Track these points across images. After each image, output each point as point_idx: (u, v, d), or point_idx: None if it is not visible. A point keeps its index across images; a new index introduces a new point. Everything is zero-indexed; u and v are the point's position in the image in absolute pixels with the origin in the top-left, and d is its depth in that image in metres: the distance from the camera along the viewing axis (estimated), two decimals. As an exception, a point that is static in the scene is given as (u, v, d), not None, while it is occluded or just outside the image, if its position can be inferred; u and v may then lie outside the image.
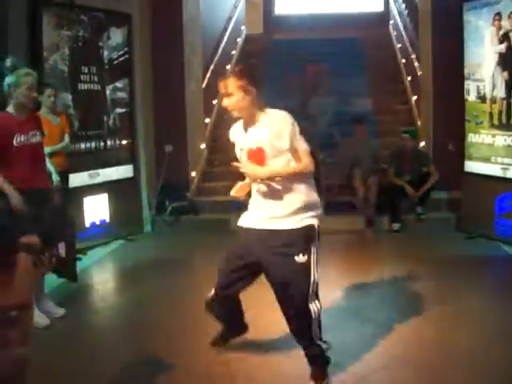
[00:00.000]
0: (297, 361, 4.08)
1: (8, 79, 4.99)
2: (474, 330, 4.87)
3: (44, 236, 3.09)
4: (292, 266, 3.75)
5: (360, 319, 5.15)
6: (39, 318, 5.01)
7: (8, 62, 5.00)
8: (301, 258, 3.75)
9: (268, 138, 3.71)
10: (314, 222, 3.84)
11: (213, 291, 4.30)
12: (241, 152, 3.91)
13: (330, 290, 5.90)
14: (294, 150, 3.73)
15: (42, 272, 2.97)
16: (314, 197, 3.90)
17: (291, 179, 3.77)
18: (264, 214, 3.85)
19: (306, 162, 3.77)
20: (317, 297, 3.86)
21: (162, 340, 4.86)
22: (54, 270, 3.27)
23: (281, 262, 3.78)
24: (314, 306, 3.82)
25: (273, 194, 3.79)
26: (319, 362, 3.94)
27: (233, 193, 4.00)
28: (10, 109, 5.05)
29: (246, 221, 3.99)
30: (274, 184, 3.75)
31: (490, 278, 6.64)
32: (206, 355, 4.50)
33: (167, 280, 6.52)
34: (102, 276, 6.97)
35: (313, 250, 3.81)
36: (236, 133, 3.99)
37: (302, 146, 3.76)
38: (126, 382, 4.19)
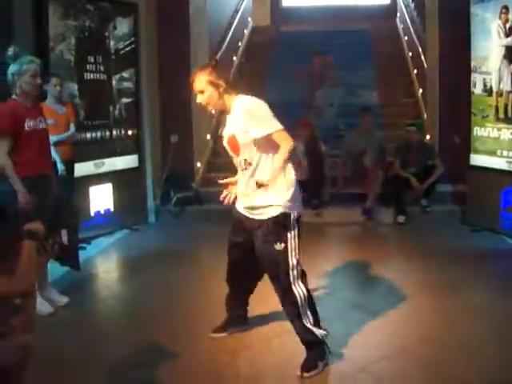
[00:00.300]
0: (300, 348, 4.10)
1: (11, 68, 5.02)
2: (477, 323, 4.87)
3: (48, 223, 3.11)
4: (272, 252, 3.96)
5: (362, 311, 5.15)
6: (42, 306, 5.03)
7: (10, 51, 5.01)
8: (278, 246, 3.93)
9: (237, 126, 3.95)
10: (291, 211, 3.97)
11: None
12: (225, 142, 4.12)
13: (333, 281, 5.92)
14: (266, 138, 3.89)
15: (45, 259, 2.98)
16: (290, 189, 3.98)
17: (271, 173, 3.92)
18: (246, 203, 4.10)
19: (285, 143, 3.92)
20: (302, 281, 4.03)
21: (166, 328, 4.88)
22: (57, 257, 3.28)
23: (263, 249, 4.02)
24: (298, 289, 3.98)
25: (254, 186, 3.95)
26: (314, 349, 4.06)
27: (221, 181, 4.34)
28: (15, 98, 5.07)
29: (239, 207, 4.23)
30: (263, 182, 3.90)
31: (494, 271, 6.62)
32: (209, 344, 4.53)
33: (171, 269, 6.54)
34: (106, 265, 6.98)
35: (289, 237, 3.96)
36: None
37: (273, 127, 3.88)
38: (130, 369, 4.21)
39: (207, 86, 3.95)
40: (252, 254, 4.12)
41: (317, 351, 4.06)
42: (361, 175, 8.77)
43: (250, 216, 4.08)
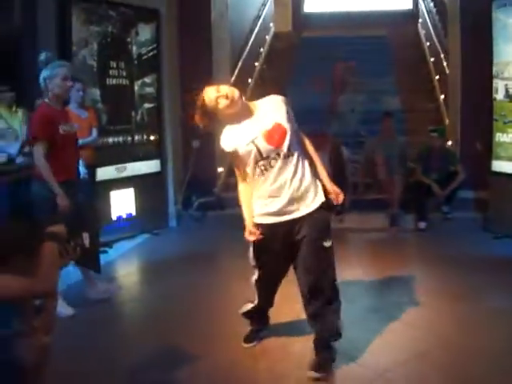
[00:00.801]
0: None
1: (43, 73, 5.10)
2: (497, 329, 4.84)
3: (70, 225, 3.14)
4: (321, 249, 3.98)
5: (380, 316, 5.14)
6: (62, 308, 5.08)
7: (42, 56, 5.09)
8: (327, 243, 3.99)
9: (280, 115, 3.94)
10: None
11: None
12: (253, 145, 3.89)
13: (353, 286, 5.90)
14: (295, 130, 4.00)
15: (67, 261, 3.01)
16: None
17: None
18: (290, 197, 3.95)
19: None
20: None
21: (186, 332, 4.91)
22: (78, 260, 3.31)
23: (312, 247, 3.97)
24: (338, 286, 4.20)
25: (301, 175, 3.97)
26: (331, 348, 4.14)
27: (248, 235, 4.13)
28: (47, 101, 5.15)
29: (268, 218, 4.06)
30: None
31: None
32: (230, 347, 4.54)
33: (192, 275, 6.55)
34: (126, 269, 7.01)
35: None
36: (233, 137, 3.99)
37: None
38: (150, 371, 4.23)
39: (230, 92, 3.97)
40: (286, 264, 4.18)
41: (332, 351, 4.12)
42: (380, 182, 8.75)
43: (290, 217, 3.97)
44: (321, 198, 3.99)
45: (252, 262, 4.23)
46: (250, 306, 4.52)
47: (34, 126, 5.15)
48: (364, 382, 3.96)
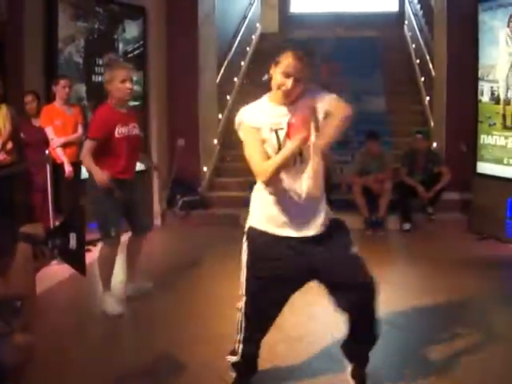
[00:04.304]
0: (306, 354, 4.09)
1: (105, 76, 5.28)
2: (482, 330, 4.85)
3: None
4: (351, 256, 3.52)
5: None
6: (110, 306, 5.28)
7: (105, 59, 5.17)
8: (355, 249, 3.54)
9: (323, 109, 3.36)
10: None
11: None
12: (275, 135, 3.32)
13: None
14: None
15: (43, 263, 2.96)
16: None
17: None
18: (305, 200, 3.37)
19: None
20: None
21: (170, 331, 4.89)
22: (65, 261, 3.26)
23: (339, 257, 3.47)
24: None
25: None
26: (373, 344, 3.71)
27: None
28: (109, 103, 5.25)
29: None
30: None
31: (499, 279, 6.59)
32: (208, 347, 4.52)
33: (176, 272, 6.54)
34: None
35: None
36: (261, 114, 3.38)
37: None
38: (129, 367, 4.21)
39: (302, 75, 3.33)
40: (293, 286, 3.56)
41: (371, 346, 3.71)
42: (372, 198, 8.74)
43: (307, 231, 3.41)
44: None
45: (242, 284, 3.55)
46: (233, 358, 3.75)
47: (90, 124, 5.39)
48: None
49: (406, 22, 15.22)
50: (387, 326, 4.86)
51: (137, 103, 8.51)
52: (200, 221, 9.14)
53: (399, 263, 7.26)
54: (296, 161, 3.31)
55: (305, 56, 3.37)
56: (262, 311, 3.57)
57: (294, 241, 3.40)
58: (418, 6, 13.49)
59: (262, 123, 3.34)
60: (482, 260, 7.08)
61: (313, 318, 5.08)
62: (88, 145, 5.12)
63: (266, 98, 3.45)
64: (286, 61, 3.32)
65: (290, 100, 3.34)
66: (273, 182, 3.35)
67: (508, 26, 7.44)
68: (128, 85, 5.14)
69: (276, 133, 3.32)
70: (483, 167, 8.00)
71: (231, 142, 11.13)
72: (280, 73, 3.31)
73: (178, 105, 9.47)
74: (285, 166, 3.26)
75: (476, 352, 4.39)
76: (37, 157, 6.83)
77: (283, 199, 3.39)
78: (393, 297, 5.67)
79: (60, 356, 4.34)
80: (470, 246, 7.69)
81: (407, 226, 8.51)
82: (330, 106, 3.35)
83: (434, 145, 9.69)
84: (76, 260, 3.09)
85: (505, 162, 7.65)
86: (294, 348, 4.45)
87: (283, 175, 3.34)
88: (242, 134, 3.44)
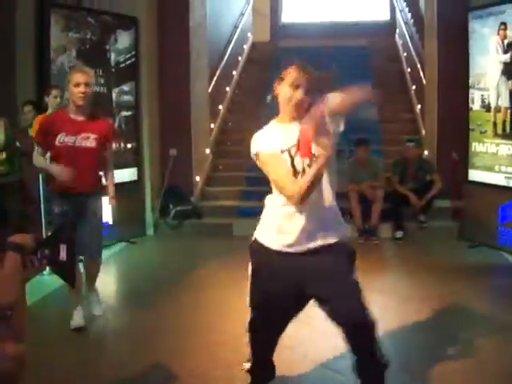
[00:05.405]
0: (292, 363, 4.09)
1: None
2: (474, 337, 4.86)
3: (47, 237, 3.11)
4: (352, 283, 3.36)
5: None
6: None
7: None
8: (355, 276, 3.40)
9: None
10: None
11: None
12: (288, 155, 3.25)
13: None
14: None
15: (32, 273, 2.94)
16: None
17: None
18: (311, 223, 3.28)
19: None
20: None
21: (160, 342, 4.87)
22: (55, 272, 3.24)
23: (339, 282, 3.32)
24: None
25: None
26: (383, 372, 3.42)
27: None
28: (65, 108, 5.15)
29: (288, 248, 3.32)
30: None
31: (491, 286, 6.61)
32: (201, 356, 4.51)
33: (168, 282, 6.53)
34: (102, 278, 6.93)
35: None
36: (273, 138, 3.30)
37: None
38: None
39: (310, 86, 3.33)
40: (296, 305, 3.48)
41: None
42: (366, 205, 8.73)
43: (313, 246, 3.29)
44: (343, 229, 3.46)
45: (248, 298, 3.49)
46: (247, 365, 3.75)
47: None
48: None
49: (397, 31, 15.29)
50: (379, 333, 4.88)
51: (129, 113, 8.53)
52: (192, 230, 9.14)
53: (391, 271, 7.27)
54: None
55: (309, 67, 3.37)
56: (268, 323, 3.51)
57: (296, 257, 3.30)
58: (409, 15, 13.55)
59: (276, 147, 3.25)
60: (474, 267, 7.10)
61: (307, 326, 5.07)
62: (35, 150, 5.00)
63: (273, 122, 3.42)
64: (293, 73, 3.31)
65: (301, 113, 3.24)
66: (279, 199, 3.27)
67: (498, 34, 7.48)
68: (81, 89, 4.84)
69: (289, 152, 3.24)
70: (475, 175, 8.03)
71: (224, 151, 11.20)
72: (288, 85, 3.31)
73: (170, 114, 9.47)
74: (316, 184, 3.14)
75: (467, 358, 4.41)
76: (32, 167, 6.82)
77: (291, 212, 3.27)
78: (384, 304, 5.68)
79: (50, 367, 4.32)
80: (462, 254, 7.71)
81: (399, 233, 8.53)
82: (332, 105, 3.18)
83: (426, 153, 9.73)
84: (65, 271, 3.07)
85: (496, 169, 7.68)
86: (285, 357, 4.44)
87: None
88: (261, 163, 3.30)
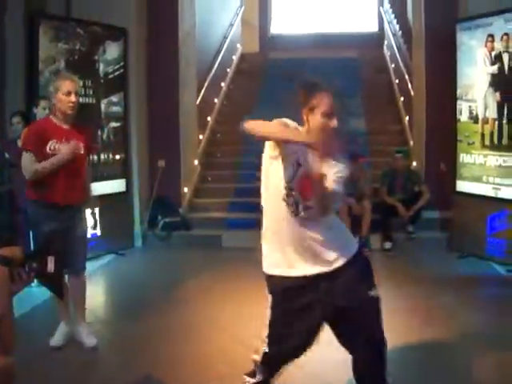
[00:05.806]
0: (288, 374, 4.06)
1: (50, 87, 4.89)
2: (464, 349, 4.87)
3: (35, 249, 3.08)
4: (367, 300, 3.45)
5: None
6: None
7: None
8: (374, 292, 3.49)
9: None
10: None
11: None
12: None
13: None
14: None
15: (20, 287, 2.90)
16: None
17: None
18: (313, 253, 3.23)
19: None
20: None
21: (151, 354, 4.85)
22: (43, 284, 3.22)
23: (355, 299, 3.34)
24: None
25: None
26: None
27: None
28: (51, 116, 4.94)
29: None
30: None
31: (480, 297, 6.62)
32: (193, 369, 4.49)
33: (157, 295, 6.51)
34: (91, 290, 6.88)
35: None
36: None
37: None
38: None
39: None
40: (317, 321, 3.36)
41: None
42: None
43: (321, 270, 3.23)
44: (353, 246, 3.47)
45: (265, 332, 3.33)
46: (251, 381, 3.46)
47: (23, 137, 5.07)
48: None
49: (386, 42, 15.36)
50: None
51: (118, 124, 8.52)
52: (181, 242, 9.11)
53: (380, 283, 7.23)
54: (299, 210, 3.16)
55: (340, 94, 3.30)
56: (287, 355, 3.39)
57: (308, 280, 3.21)
58: (397, 26, 13.62)
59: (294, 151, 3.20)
60: (463, 278, 7.13)
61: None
62: (27, 158, 4.73)
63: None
64: (326, 101, 3.21)
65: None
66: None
67: (486, 46, 7.53)
68: (72, 98, 4.73)
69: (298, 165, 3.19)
70: (462, 185, 8.06)
71: (212, 162, 11.20)
72: (320, 114, 3.21)
73: (159, 125, 9.46)
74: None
75: (454, 369, 4.41)
76: (20, 178, 6.78)
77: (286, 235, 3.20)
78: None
79: (38, 380, 4.29)
80: (451, 264, 7.73)
81: (388, 244, 8.54)
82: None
83: (414, 164, 9.76)
84: (54, 283, 3.06)
85: (484, 180, 7.71)
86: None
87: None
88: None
